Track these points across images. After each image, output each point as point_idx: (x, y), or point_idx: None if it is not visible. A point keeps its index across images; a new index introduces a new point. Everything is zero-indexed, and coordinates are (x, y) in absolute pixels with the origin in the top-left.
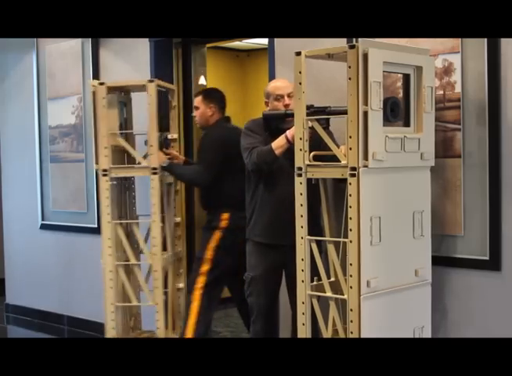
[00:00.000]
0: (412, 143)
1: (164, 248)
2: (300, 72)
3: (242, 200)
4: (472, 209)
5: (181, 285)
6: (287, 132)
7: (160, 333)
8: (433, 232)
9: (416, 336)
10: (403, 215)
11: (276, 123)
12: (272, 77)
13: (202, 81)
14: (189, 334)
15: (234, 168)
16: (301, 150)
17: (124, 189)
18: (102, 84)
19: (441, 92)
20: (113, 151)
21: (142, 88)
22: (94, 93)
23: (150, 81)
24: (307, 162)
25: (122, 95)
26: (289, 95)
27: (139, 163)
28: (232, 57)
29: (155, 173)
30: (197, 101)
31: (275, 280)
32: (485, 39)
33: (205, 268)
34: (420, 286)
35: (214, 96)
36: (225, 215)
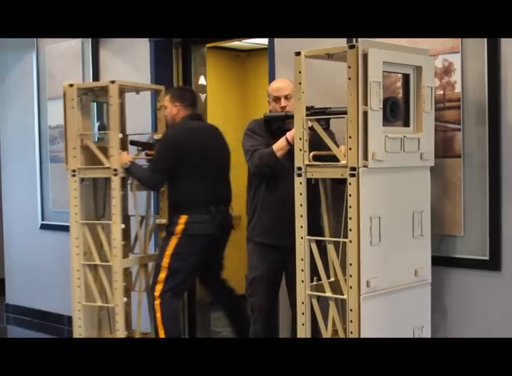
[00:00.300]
0: (412, 143)
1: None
2: (300, 72)
3: (201, 200)
4: (472, 209)
5: None
6: (287, 134)
7: (120, 334)
8: (433, 232)
9: (416, 336)
10: (403, 215)
11: (277, 125)
12: (272, 77)
13: (202, 81)
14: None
15: (191, 168)
16: (300, 150)
17: (105, 189)
18: (71, 85)
19: (441, 92)
20: (89, 152)
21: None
22: (64, 95)
23: (112, 82)
24: (306, 162)
25: (101, 96)
26: (286, 97)
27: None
28: (232, 57)
29: (115, 174)
30: (165, 100)
31: (275, 281)
32: (485, 39)
33: (162, 275)
34: (419, 286)
35: (179, 95)
36: (182, 219)
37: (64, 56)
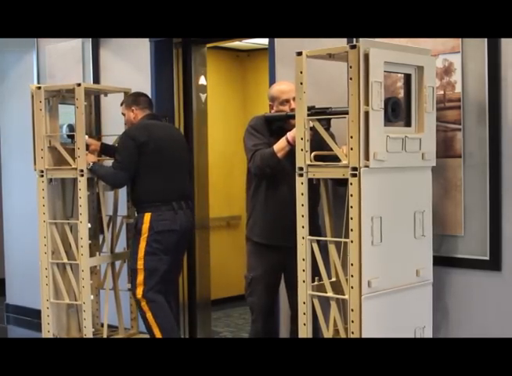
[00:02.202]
0: (414, 143)
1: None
2: (301, 72)
3: (163, 196)
4: (472, 209)
5: (129, 285)
6: (288, 134)
7: (87, 331)
8: (433, 232)
9: (418, 336)
10: (404, 215)
11: (278, 125)
12: (272, 77)
13: (202, 81)
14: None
15: (152, 164)
16: (302, 150)
17: (73, 190)
18: (39, 88)
19: (442, 92)
20: (57, 153)
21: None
22: (32, 97)
23: (78, 85)
24: (308, 162)
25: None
26: (295, 99)
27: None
28: (232, 57)
29: (82, 175)
30: (122, 109)
31: (275, 280)
32: (486, 39)
33: (140, 278)
34: (421, 286)
35: (133, 100)
36: (147, 217)
37: (64, 56)
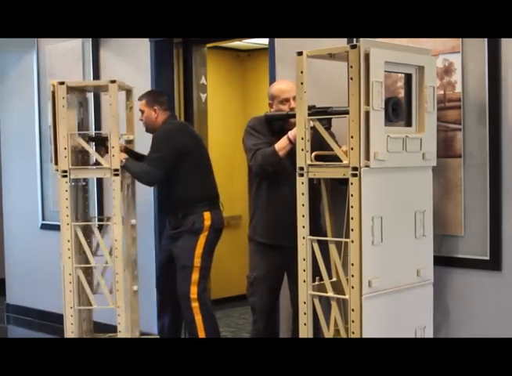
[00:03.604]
0: (414, 143)
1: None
2: (301, 72)
3: (214, 195)
4: (472, 209)
5: (135, 287)
6: (289, 133)
7: (123, 336)
8: (433, 232)
9: (418, 336)
10: (405, 214)
11: (279, 124)
12: (272, 77)
13: (202, 80)
14: None
15: (199, 165)
16: (302, 149)
17: (80, 190)
18: (62, 83)
19: (442, 92)
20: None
21: (104, 88)
22: (53, 93)
23: (112, 82)
24: (308, 162)
25: (78, 95)
26: (294, 98)
27: (99, 164)
28: (232, 57)
29: (116, 174)
30: (141, 105)
31: (277, 280)
32: (486, 39)
33: (196, 276)
34: (421, 286)
35: (156, 99)
36: (207, 215)
37: (64, 56)
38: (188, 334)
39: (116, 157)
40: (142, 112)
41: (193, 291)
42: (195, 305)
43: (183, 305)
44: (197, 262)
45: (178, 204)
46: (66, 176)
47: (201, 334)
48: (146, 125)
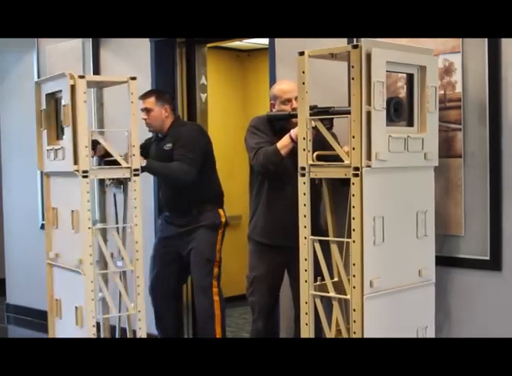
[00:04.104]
0: (416, 143)
1: None
2: (303, 72)
3: (223, 193)
4: (473, 209)
5: None
6: (291, 132)
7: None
8: (434, 232)
9: (420, 336)
10: (406, 214)
11: (281, 124)
12: (272, 77)
13: (202, 80)
14: None
15: (214, 164)
16: (304, 149)
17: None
18: (82, 77)
19: (442, 92)
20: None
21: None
22: (73, 87)
23: (132, 79)
24: (310, 162)
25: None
26: (296, 99)
27: (118, 164)
28: (232, 57)
29: (137, 174)
30: (150, 103)
31: (276, 280)
32: (486, 39)
33: (216, 270)
34: (423, 286)
35: (167, 98)
36: (221, 212)
37: (65, 56)
38: (201, 328)
39: (136, 157)
40: (149, 110)
41: (215, 285)
42: (216, 298)
43: (204, 300)
44: (218, 256)
45: (194, 201)
46: (87, 176)
47: (218, 329)
48: (152, 124)
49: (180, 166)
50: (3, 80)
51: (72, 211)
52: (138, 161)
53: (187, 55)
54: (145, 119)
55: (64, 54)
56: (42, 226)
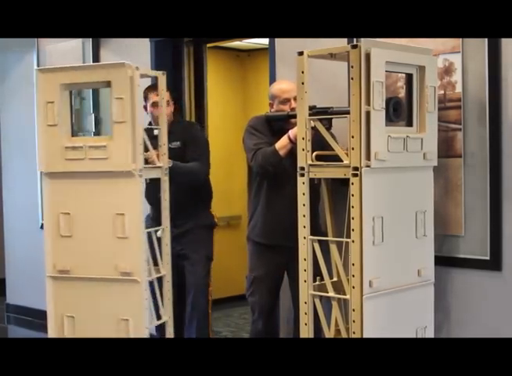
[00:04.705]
0: (415, 143)
1: None
2: (302, 72)
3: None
4: (473, 209)
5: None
6: (289, 132)
7: None
8: (434, 232)
9: (419, 336)
10: (406, 214)
11: (279, 124)
12: (272, 77)
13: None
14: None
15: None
16: (303, 149)
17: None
18: (137, 68)
19: (442, 92)
20: None
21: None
22: (131, 79)
23: (163, 74)
24: (309, 162)
25: None
26: (295, 98)
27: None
28: (232, 57)
29: (167, 174)
30: (168, 96)
31: (276, 280)
32: (486, 39)
33: (211, 271)
34: (422, 286)
35: (175, 96)
36: (213, 212)
37: (65, 56)
38: (198, 328)
39: (166, 156)
40: (168, 103)
41: (210, 284)
42: (209, 298)
43: (202, 299)
44: (212, 254)
45: (193, 201)
46: (141, 176)
47: (209, 328)
48: (169, 118)
49: (201, 166)
50: (3, 80)
51: (116, 214)
52: (167, 161)
53: (195, 54)
54: (152, 112)
55: (64, 54)
56: (42, 226)
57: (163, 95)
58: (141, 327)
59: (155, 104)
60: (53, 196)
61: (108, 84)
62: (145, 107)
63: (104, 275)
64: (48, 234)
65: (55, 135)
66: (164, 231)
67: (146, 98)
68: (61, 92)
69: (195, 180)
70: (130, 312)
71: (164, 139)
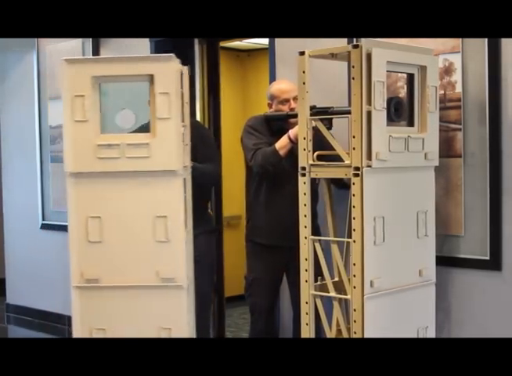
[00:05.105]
0: (416, 143)
1: None
2: (303, 72)
3: None
4: (472, 209)
5: None
6: (289, 132)
7: None
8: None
9: (420, 336)
10: (407, 214)
11: (278, 124)
12: (272, 77)
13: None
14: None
15: None
16: (304, 149)
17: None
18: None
19: (442, 92)
20: None
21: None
22: (180, 73)
23: (184, 65)
24: (310, 162)
25: None
26: (294, 99)
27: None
28: (232, 57)
29: (190, 174)
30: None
31: (275, 281)
32: (486, 39)
33: None
34: (424, 286)
35: None
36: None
37: (64, 56)
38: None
39: (188, 156)
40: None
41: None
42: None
43: (207, 304)
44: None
45: (199, 204)
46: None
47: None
48: None
49: (215, 167)
50: (4, 80)
51: (156, 216)
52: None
53: (208, 53)
54: None
55: (64, 54)
56: (42, 226)
57: (185, 89)
58: (184, 335)
59: None
60: (80, 198)
61: (147, 78)
62: (149, 102)
63: (142, 282)
64: (73, 241)
65: (85, 132)
66: (188, 233)
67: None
68: (92, 85)
69: (212, 181)
70: (172, 320)
71: (187, 139)
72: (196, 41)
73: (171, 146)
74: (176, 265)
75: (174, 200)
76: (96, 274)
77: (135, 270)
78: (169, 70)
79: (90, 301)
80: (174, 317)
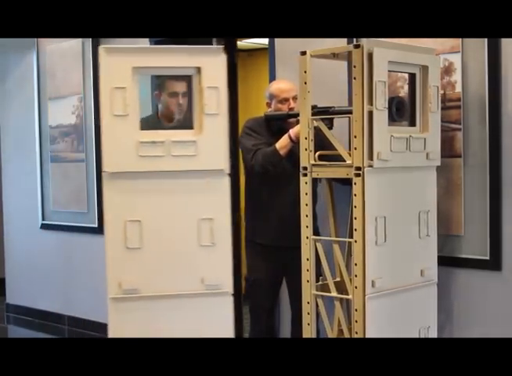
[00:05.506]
0: (418, 143)
1: None
2: (305, 72)
3: None
4: (472, 209)
5: None
6: (290, 131)
7: None
8: None
9: (422, 336)
10: (409, 214)
11: (278, 124)
12: (272, 76)
13: None
14: None
15: None
16: (306, 149)
17: None
18: (304, 53)
19: (442, 92)
20: None
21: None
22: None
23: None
24: (312, 162)
25: None
26: (294, 98)
27: None
28: None
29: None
30: (185, 87)
31: (276, 281)
32: (486, 39)
33: None
34: (425, 286)
35: None
36: None
37: (65, 56)
38: None
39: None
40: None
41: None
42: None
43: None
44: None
45: None
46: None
47: None
48: (183, 112)
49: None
50: (3, 80)
51: (202, 219)
52: None
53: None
54: (168, 103)
55: (64, 54)
56: (42, 226)
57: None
58: None
59: (174, 94)
60: (118, 200)
61: (193, 70)
62: (157, 95)
63: (186, 290)
64: (110, 248)
65: (125, 127)
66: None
67: (160, 86)
68: (133, 77)
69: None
70: (218, 329)
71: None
72: (214, 40)
73: (219, 144)
74: (222, 271)
75: (220, 202)
76: (135, 283)
77: (177, 278)
78: (218, 63)
79: (129, 314)
80: (220, 325)
